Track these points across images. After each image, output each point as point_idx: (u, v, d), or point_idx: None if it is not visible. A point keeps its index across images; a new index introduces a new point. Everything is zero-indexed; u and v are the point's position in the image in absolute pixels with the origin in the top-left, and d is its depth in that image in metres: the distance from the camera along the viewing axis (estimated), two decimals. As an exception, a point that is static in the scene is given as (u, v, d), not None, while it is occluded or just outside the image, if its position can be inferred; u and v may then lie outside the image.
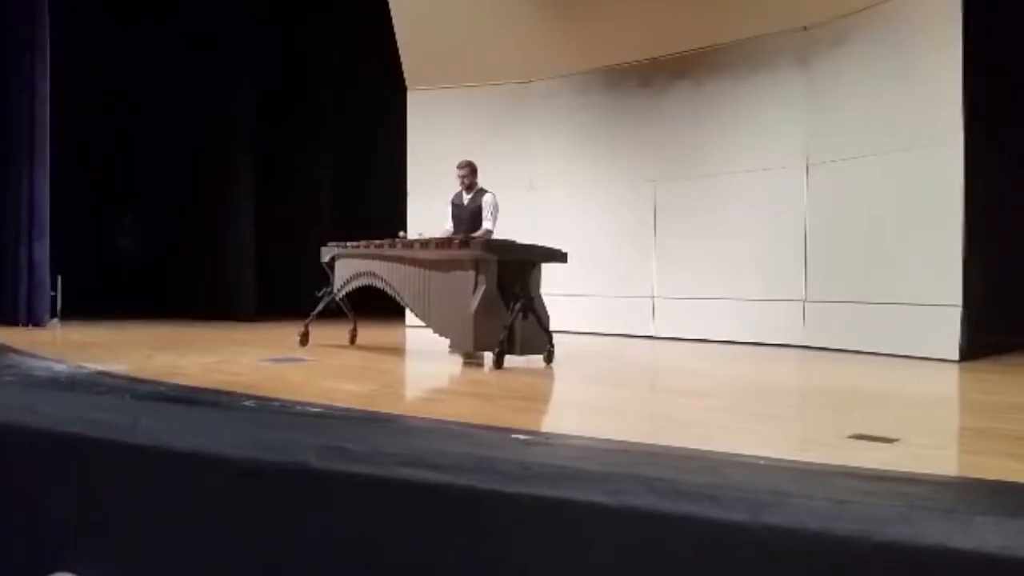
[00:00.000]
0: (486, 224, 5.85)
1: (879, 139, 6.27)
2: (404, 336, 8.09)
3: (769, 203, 7.25)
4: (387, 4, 9.15)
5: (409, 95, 9.56)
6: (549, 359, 5.27)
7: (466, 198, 6.06)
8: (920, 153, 5.93)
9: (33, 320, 7.83)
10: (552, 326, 5.36)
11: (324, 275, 6.46)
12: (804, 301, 7.01)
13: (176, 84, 10.64)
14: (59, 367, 4.55)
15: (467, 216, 5.97)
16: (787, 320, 7.08)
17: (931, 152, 5.84)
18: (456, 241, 5.22)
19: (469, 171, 6.04)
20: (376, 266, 5.85)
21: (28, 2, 7.86)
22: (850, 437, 2.81)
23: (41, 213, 7.93)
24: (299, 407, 3.28)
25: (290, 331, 6.70)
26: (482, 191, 6.01)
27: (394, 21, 9.17)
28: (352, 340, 6.56)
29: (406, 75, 9.45)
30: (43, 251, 7.94)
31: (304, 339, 6.26)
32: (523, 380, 4.61)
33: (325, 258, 6.46)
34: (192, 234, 10.68)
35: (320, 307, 6.36)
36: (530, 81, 8.98)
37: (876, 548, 1.24)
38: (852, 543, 1.25)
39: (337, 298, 6.34)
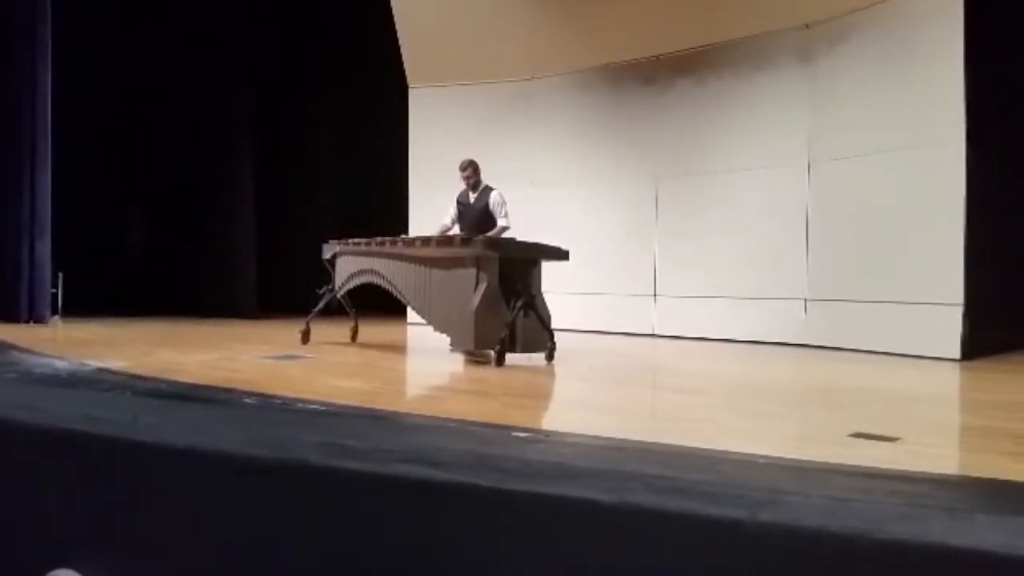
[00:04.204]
0: (501, 222, 5.86)
1: (880, 137, 6.26)
2: (405, 334, 8.10)
3: (770, 201, 7.24)
4: (388, 1, 9.14)
5: (410, 92, 9.56)
6: (550, 357, 5.27)
7: (472, 197, 6.06)
8: (921, 151, 5.92)
9: (34, 317, 7.84)
10: (553, 324, 5.36)
11: (326, 273, 6.46)
12: (805, 299, 7.00)
13: (177, 82, 10.64)
14: (60, 364, 4.55)
15: (474, 215, 5.97)
16: (788, 318, 7.08)
17: (932, 150, 5.83)
18: (457, 239, 5.22)
19: (472, 171, 6.04)
20: (377, 264, 5.85)
21: (30, 0, 7.86)
22: (850, 435, 2.81)
23: (42, 210, 7.94)
24: (300, 404, 3.28)
25: (291, 328, 6.71)
26: (488, 189, 6.02)
27: (395, 18, 9.17)
28: (353, 338, 6.57)
29: (407, 72, 9.45)
30: (44, 248, 7.94)
31: (305, 336, 6.27)
32: (524, 378, 4.61)
33: (326, 255, 6.46)
34: (194, 232, 10.68)
35: (321, 304, 6.36)
36: (532, 78, 8.98)
37: (875, 546, 1.24)
38: (851, 541, 1.25)
39: (338, 296, 6.35)
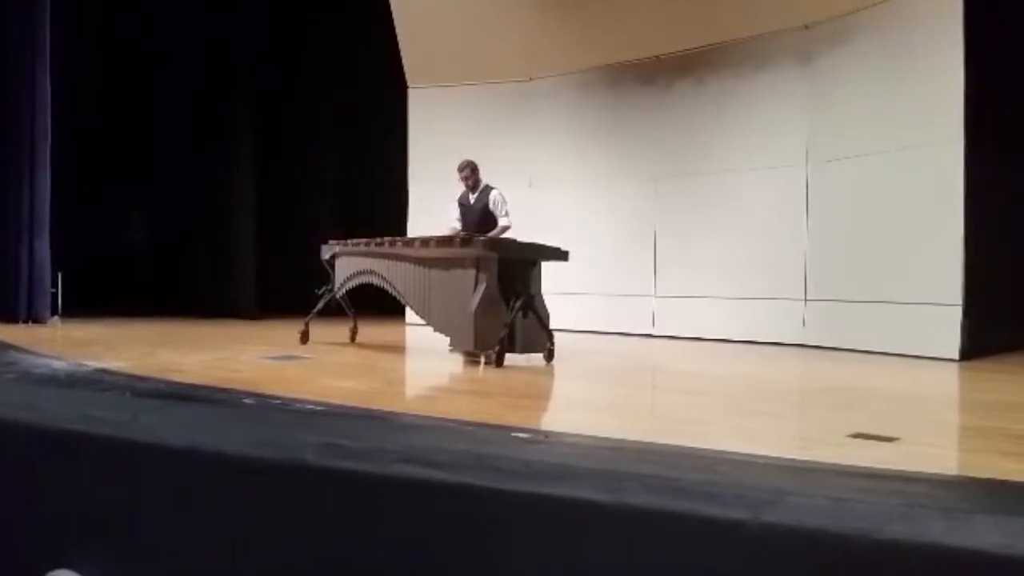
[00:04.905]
0: (502, 221, 5.85)
1: (880, 138, 6.26)
2: (404, 334, 8.09)
3: (770, 201, 7.24)
4: (388, 1, 9.14)
5: (410, 93, 9.55)
6: (549, 357, 5.27)
7: (472, 197, 6.05)
8: (921, 152, 5.93)
9: (33, 317, 7.83)
10: (552, 324, 5.36)
11: (325, 273, 6.46)
12: (804, 300, 7.00)
13: (177, 82, 10.64)
14: (59, 364, 4.55)
15: (475, 215, 5.96)
16: (787, 319, 7.08)
17: (932, 151, 5.84)
18: (457, 239, 5.22)
19: (470, 171, 6.03)
20: (376, 264, 5.85)
21: (29, 1, 7.86)
22: (850, 436, 2.81)
23: (42, 210, 7.94)
24: (298, 404, 3.28)
25: (291, 329, 6.70)
26: (488, 188, 6.01)
27: (395, 18, 9.16)
28: (352, 338, 6.56)
29: (407, 73, 9.44)
30: (44, 248, 7.94)
31: (304, 337, 6.26)
32: (523, 378, 4.61)
33: (326, 256, 6.46)
34: (193, 232, 10.68)
35: (320, 305, 6.36)
36: (531, 79, 8.98)
37: (875, 546, 1.24)
38: (851, 541, 1.25)
39: (338, 296, 6.34)
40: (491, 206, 5.91)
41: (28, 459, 2.02)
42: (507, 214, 5.88)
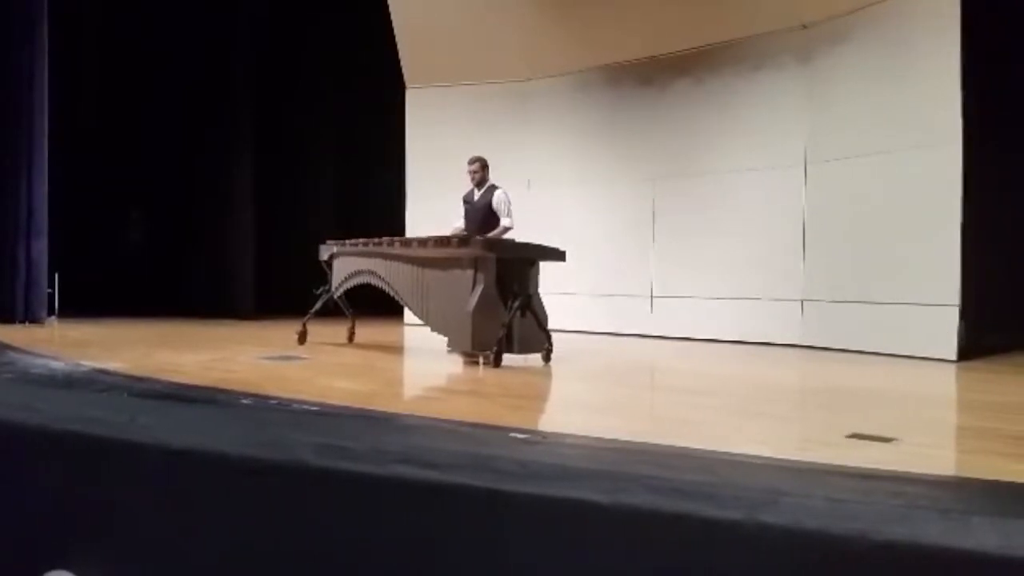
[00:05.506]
0: (504, 221, 5.82)
1: (878, 138, 6.27)
2: (402, 335, 8.09)
3: (768, 202, 7.24)
4: (386, 1, 9.14)
5: (408, 93, 9.55)
6: (547, 358, 5.27)
7: (477, 195, 6.02)
8: (919, 152, 5.93)
9: (31, 318, 7.83)
10: (550, 324, 5.36)
11: (323, 273, 6.45)
12: (802, 300, 7.01)
13: (176, 82, 10.64)
14: (57, 365, 4.54)
15: (478, 213, 5.94)
16: (785, 319, 7.08)
17: (930, 151, 5.84)
18: (454, 239, 5.21)
19: (479, 167, 5.99)
20: (374, 264, 5.85)
21: (29, 1, 7.85)
22: (848, 436, 2.81)
23: (39, 211, 7.93)
24: (297, 405, 3.28)
25: (289, 329, 6.70)
26: (493, 187, 5.98)
27: (392, 19, 9.16)
28: (350, 338, 6.56)
29: (405, 73, 9.45)
30: (41, 249, 7.94)
31: (302, 337, 6.26)
32: (521, 379, 4.61)
33: (323, 256, 6.45)
34: (192, 232, 10.68)
35: (318, 305, 6.35)
36: (530, 79, 8.97)
37: (873, 547, 1.24)
38: (849, 542, 1.25)
39: (335, 296, 6.34)
40: (494, 205, 5.89)
41: (25, 459, 2.02)
42: (509, 214, 5.85)
